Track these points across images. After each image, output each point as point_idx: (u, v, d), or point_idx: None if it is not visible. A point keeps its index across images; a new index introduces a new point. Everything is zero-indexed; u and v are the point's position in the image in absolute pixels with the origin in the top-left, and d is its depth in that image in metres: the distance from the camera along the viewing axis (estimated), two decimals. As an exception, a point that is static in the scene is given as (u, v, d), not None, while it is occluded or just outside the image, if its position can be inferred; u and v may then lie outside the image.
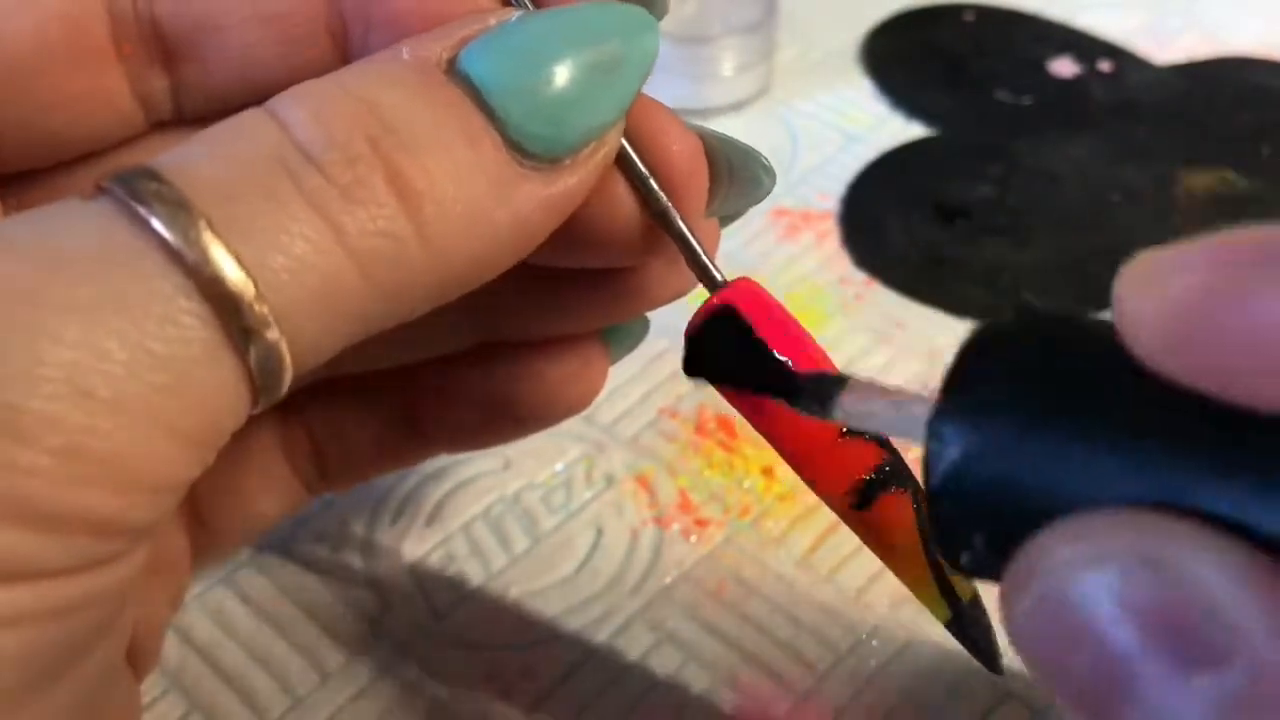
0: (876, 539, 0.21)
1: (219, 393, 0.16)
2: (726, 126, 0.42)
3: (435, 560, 0.29)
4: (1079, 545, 0.14)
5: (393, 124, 0.17)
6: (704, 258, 0.21)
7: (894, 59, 0.46)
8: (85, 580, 0.16)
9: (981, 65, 0.45)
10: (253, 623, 0.28)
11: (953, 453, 0.14)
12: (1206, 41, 0.46)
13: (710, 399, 0.30)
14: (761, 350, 0.20)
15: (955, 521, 0.15)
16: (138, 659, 0.24)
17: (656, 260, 0.22)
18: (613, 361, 0.26)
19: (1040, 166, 0.41)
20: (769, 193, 0.23)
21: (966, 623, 0.21)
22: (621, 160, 0.20)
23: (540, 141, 0.18)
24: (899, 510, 0.20)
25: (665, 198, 0.20)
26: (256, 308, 0.16)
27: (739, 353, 0.20)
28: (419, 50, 0.18)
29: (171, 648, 0.27)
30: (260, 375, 0.16)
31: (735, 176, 0.22)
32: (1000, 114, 0.43)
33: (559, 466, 0.31)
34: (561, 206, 0.18)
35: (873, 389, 0.17)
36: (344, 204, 0.16)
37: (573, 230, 0.20)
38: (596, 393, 0.26)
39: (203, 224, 0.15)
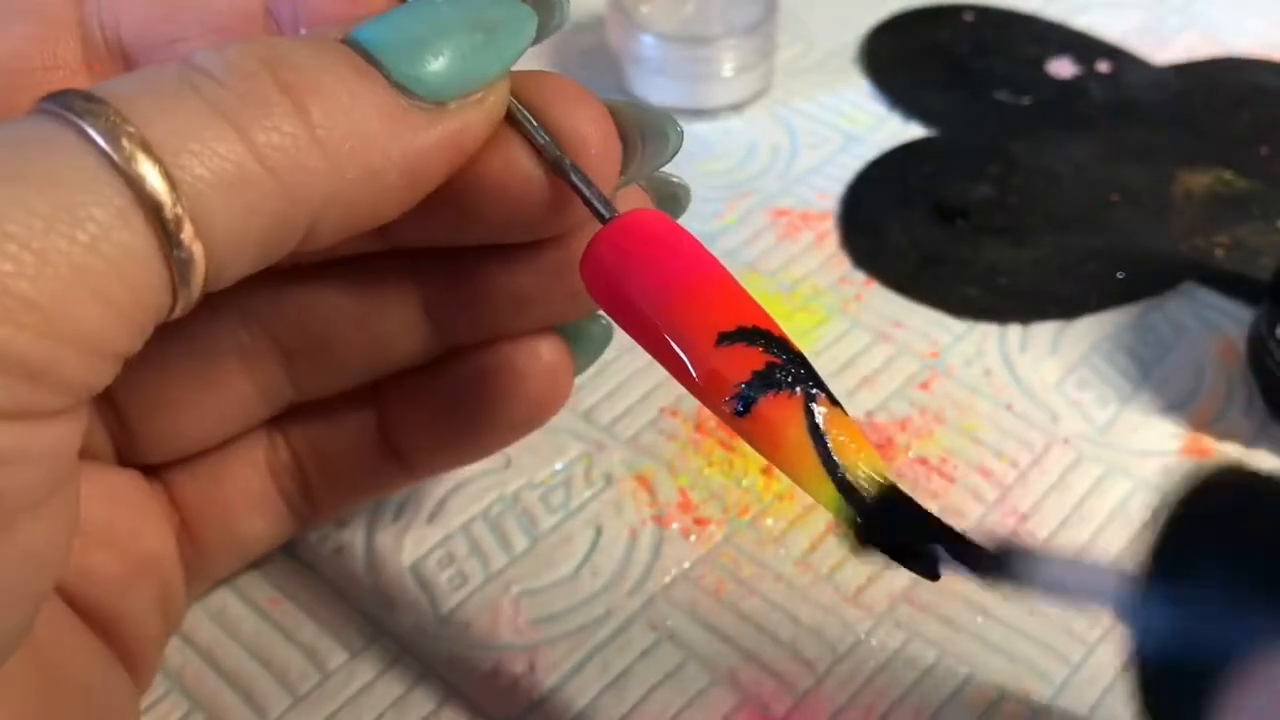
0: (764, 445, 0.20)
1: (137, 260, 0.17)
2: (727, 126, 0.42)
3: (435, 560, 0.29)
4: None
5: (286, 56, 0.19)
6: (594, 195, 0.22)
7: (893, 59, 0.46)
8: (19, 430, 0.17)
9: (981, 65, 0.45)
10: (253, 622, 0.28)
11: (1161, 636, 0.14)
12: (1205, 42, 0.46)
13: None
14: (941, 527, 0.19)
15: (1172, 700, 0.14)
16: (135, 670, 0.24)
17: (581, 235, 0.23)
18: (579, 370, 0.27)
19: (1039, 166, 0.41)
20: (677, 149, 0.24)
21: (878, 524, 0.20)
22: (519, 126, 0.22)
23: (423, 84, 0.20)
24: (784, 412, 0.20)
25: (557, 146, 0.22)
26: (164, 184, 0.17)
27: (916, 528, 0.19)
28: (316, 31, 0.21)
29: (173, 648, 0.27)
30: (175, 253, 0.17)
31: (645, 136, 0.23)
32: (999, 114, 0.43)
33: (559, 465, 0.31)
34: (450, 144, 0.20)
35: (1063, 562, 0.17)
36: (240, 105, 0.18)
37: (476, 186, 0.22)
38: (564, 397, 0.26)
39: (114, 114, 0.17)
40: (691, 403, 0.32)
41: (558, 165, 0.22)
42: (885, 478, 0.20)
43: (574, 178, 0.22)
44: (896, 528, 0.19)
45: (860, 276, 0.37)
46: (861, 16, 0.47)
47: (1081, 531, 0.30)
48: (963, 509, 0.30)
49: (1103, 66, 0.45)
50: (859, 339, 0.35)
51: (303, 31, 0.21)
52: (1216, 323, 0.35)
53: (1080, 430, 0.32)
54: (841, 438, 0.20)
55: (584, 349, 0.27)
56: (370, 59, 0.20)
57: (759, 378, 0.20)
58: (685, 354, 0.20)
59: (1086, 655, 0.27)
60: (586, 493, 0.31)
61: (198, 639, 0.28)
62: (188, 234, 0.17)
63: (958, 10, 0.48)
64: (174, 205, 0.17)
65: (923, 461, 0.31)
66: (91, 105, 0.17)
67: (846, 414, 0.20)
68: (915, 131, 0.42)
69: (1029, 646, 0.27)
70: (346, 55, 0.20)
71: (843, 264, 0.37)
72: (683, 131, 0.24)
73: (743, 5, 0.43)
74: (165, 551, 0.25)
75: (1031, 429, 0.32)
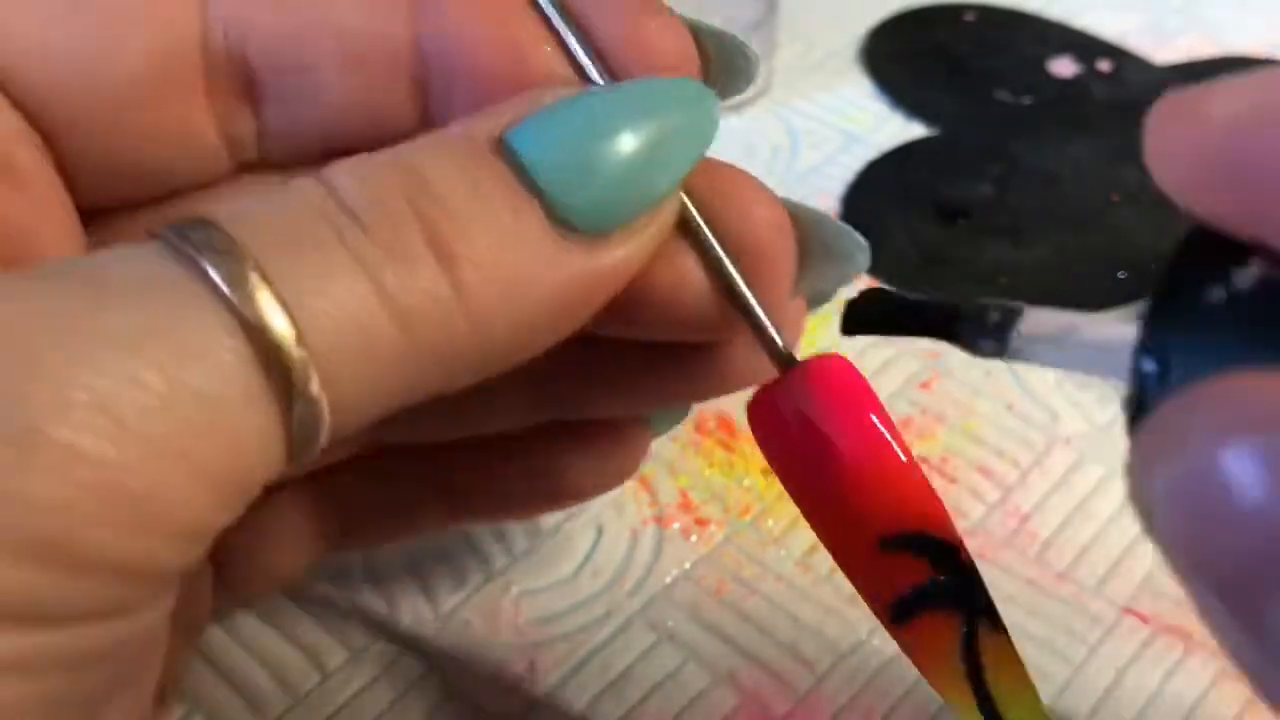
0: (914, 657, 0.20)
1: (255, 439, 0.15)
2: (728, 126, 0.42)
3: (436, 559, 0.29)
4: (1227, 410, 0.12)
5: (434, 190, 0.17)
6: (771, 334, 0.20)
7: (894, 59, 0.46)
8: (107, 628, 0.15)
9: (982, 65, 0.45)
10: (253, 622, 0.28)
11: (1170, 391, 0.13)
12: (1206, 41, 0.46)
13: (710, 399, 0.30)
14: (927, 302, 0.18)
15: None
16: (159, 696, 0.24)
17: (736, 340, 0.21)
18: (655, 437, 0.26)
19: (1040, 166, 0.41)
20: (862, 270, 0.21)
21: None
22: (690, 229, 0.19)
23: (585, 216, 0.17)
24: (938, 633, 0.19)
25: (732, 269, 0.19)
26: (297, 352, 0.15)
27: (903, 307, 0.19)
28: (469, 128, 0.18)
29: (172, 647, 0.27)
30: (298, 425, 0.16)
31: (829, 252, 0.21)
32: (1000, 114, 0.43)
33: (559, 466, 0.31)
34: (609, 280, 0.18)
35: (1052, 317, 0.15)
36: (385, 260, 0.16)
37: (638, 302, 0.19)
38: (635, 470, 0.25)
39: (250, 266, 0.15)
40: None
41: (731, 290, 0.19)
42: (1041, 715, 0.19)
43: (753, 310, 0.19)
44: (878, 310, 0.19)
45: (861, 276, 0.37)
46: (862, 16, 0.47)
47: (1083, 532, 0.30)
48: (964, 509, 0.30)
49: (1104, 66, 0.45)
50: (859, 339, 0.35)
51: (454, 128, 0.18)
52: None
53: (1081, 430, 0.32)
54: (998, 668, 0.19)
55: (663, 422, 0.26)
56: (528, 182, 0.17)
57: (917, 593, 0.19)
58: (846, 549, 0.19)
59: (1089, 655, 0.27)
60: (587, 493, 0.31)
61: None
62: (317, 407, 0.16)
63: (959, 10, 0.48)
64: (307, 377, 0.15)
65: (924, 461, 0.31)
66: (220, 247, 0.15)
67: (1010, 641, 0.19)
68: (916, 131, 0.42)
69: (1031, 647, 0.27)
70: (502, 183, 0.17)
71: (843, 264, 0.37)
72: (869, 250, 0.21)
73: (743, 5, 0.43)
74: (200, 597, 0.24)
75: (1033, 429, 0.32)
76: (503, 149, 0.17)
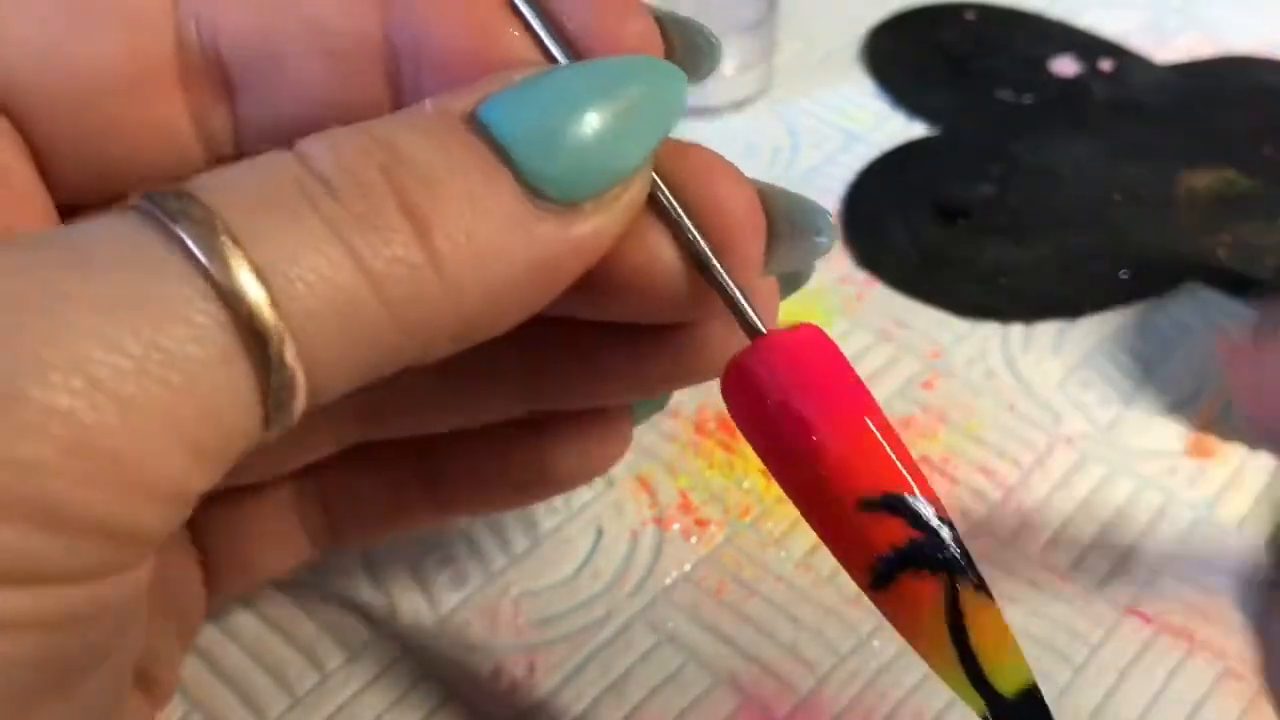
0: (897, 621, 0.19)
1: (231, 402, 0.16)
2: (728, 125, 0.42)
3: (435, 560, 0.29)
4: None
5: (406, 158, 0.17)
6: (744, 306, 0.20)
7: (895, 58, 0.45)
8: (89, 589, 0.15)
9: (982, 64, 0.45)
10: (252, 622, 0.28)
11: None
12: (1207, 41, 0.46)
13: (711, 399, 0.30)
14: None
15: None
16: (153, 691, 0.24)
17: (712, 324, 0.21)
18: (635, 424, 0.26)
19: (1041, 166, 0.40)
20: (828, 249, 0.22)
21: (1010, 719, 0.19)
22: (661, 208, 0.19)
23: (556, 184, 0.18)
24: (922, 594, 0.19)
25: (704, 243, 0.19)
26: (272, 317, 0.15)
27: None
28: (441, 103, 0.18)
29: (170, 648, 0.27)
30: (274, 390, 0.16)
31: (795, 230, 0.21)
32: (1001, 113, 0.43)
33: (559, 466, 0.31)
34: (581, 250, 0.18)
35: None
36: (358, 227, 0.16)
37: (611, 277, 0.19)
38: (619, 459, 0.25)
39: (223, 233, 0.15)
40: (691, 404, 0.32)
41: (703, 265, 0.20)
42: (1026, 678, 0.19)
43: (725, 283, 0.20)
44: None
45: (861, 276, 0.37)
46: (863, 14, 0.47)
47: (1085, 532, 0.30)
48: (966, 509, 0.30)
49: (1105, 65, 0.45)
50: (860, 339, 0.35)
51: (426, 104, 0.18)
52: (1220, 322, 0.35)
53: (1083, 430, 0.32)
54: (982, 629, 0.19)
55: (643, 410, 0.26)
56: (499, 151, 0.17)
57: (898, 554, 0.19)
58: (824, 512, 0.19)
59: (1090, 656, 0.27)
60: (587, 494, 0.31)
61: (197, 639, 0.28)
62: (291, 372, 0.16)
63: (960, 8, 0.48)
64: (281, 342, 0.15)
65: (925, 462, 0.31)
66: (195, 216, 0.16)
67: (992, 600, 0.19)
68: (917, 130, 0.42)
69: (1032, 648, 0.27)
70: (474, 152, 0.17)
71: (844, 263, 0.37)
72: (835, 229, 0.21)
73: (743, 3, 0.42)
74: (193, 591, 0.25)
75: (1034, 429, 0.32)
76: (475, 122, 0.18)
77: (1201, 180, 0.40)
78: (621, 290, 0.20)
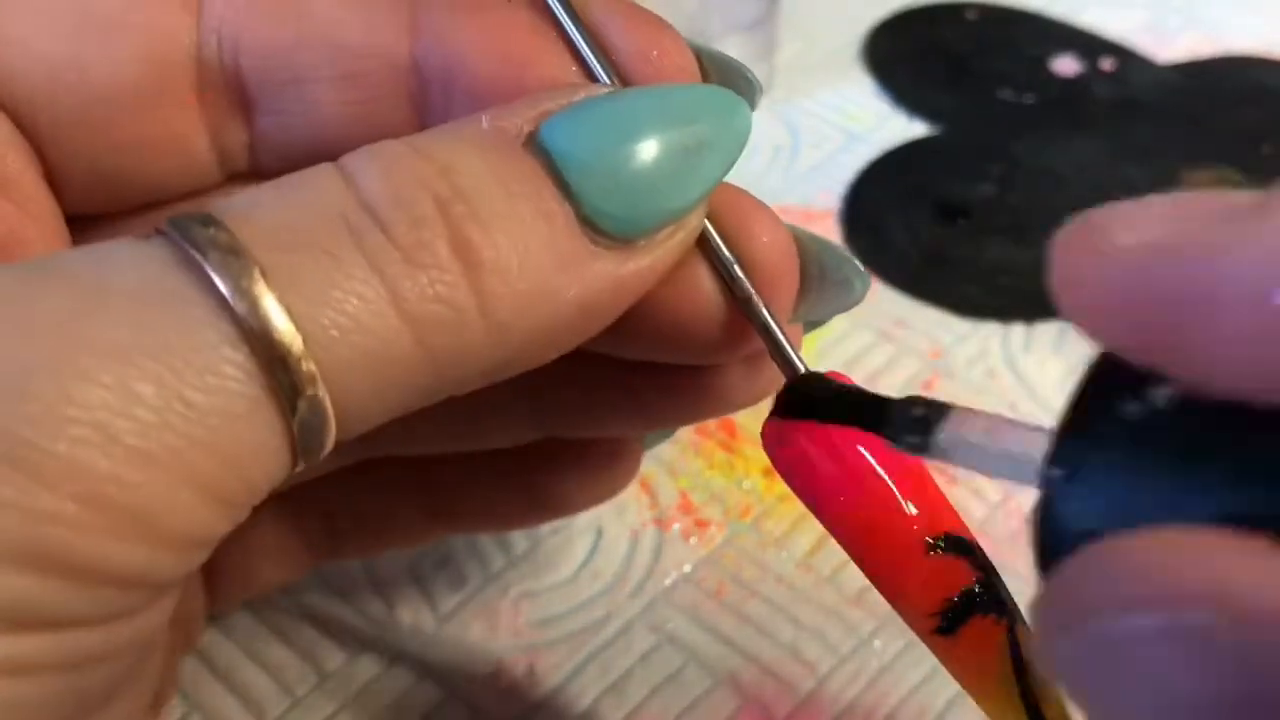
0: (962, 668, 0.19)
1: (257, 452, 0.15)
2: (727, 125, 0.42)
3: (435, 560, 0.29)
4: (1134, 582, 0.11)
5: (463, 190, 0.16)
6: (789, 349, 0.19)
7: (896, 57, 0.45)
8: (106, 632, 0.15)
9: (983, 64, 0.45)
10: (251, 623, 0.28)
11: (1078, 503, 0.13)
12: (1208, 40, 0.46)
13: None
14: (858, 391, 0.18)
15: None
16: (153, 699, 0.24)
17: (736, 362, 0.21)
18: (644, 450, 0.25)
19: (1042, 165, 0.40)
20: (860, 300, 0.21)
21: None
22: (705, 246, 0.19)
23: (615, 222, 0.17)
24: (988, 639, 0.18)
25: (750, 284, 0.19)
26: (303, 364, 0.15)
27: (835, 396, 0.19)
28: (499, 120, 0.17)
29: (170, 648, 0.27)
30: (302, 436, 0.15)
31: (826, 278, 0.20)
32: (1002, 112, 0.43)
33: (559, 466, 0.31)
34: (632, 288, 0.18)
35: (979, 419, 0.15)
36: (404, 267, 0.15)
37: (652, 316, 0.19)
38: (626, 486, 0.25)
39: (256, 273, 0.15)
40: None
41: (747, 306, 0.19)
42: (1068, 716, 0.19)
43: (769, 324, 0.19)
44: (815, 397, 0.19)
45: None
46: (863, 14, 0.47)
47: (1085, 533, 0.30)
48: (966, 510, 0.30)
49: (1106, 65, 0.45)
50: (861, 339, 0.35)
51: (483, 120, 0.17)
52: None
53: (1084, 431, 0.32)
54: (1038, 672, 0.18)
55: (653, 439, 0.26)
56: (559, 181, 0.17)
57: (966, 597, 0.18)
58: (890, 557, 0.19)
59: (1090, 658, 0.27)
60: (587, 493, 0.31)
61: (195, 641, 0.28)
62: (322, 418, 0.15)
63: (960, 8, 0.48)
64: (313, 390, 0.15)
65: (925, 462, 0.31)
66: (224, 247, 0.15)
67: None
68: (917, 130, 0.42)
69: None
70: (533, 183, 0.17)
71: (844, 263, 0.37)
72: (868, 280, 0.21)
73: (744, 3, 0.42)
74: (193, 605, 0.25)
75: (1035, 429, 0.32)
76: (534, 145, 0.17)
77: (1202, 179, 0.40)
78: (660, 328, 0.19)
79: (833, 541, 0.29)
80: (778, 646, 0.27)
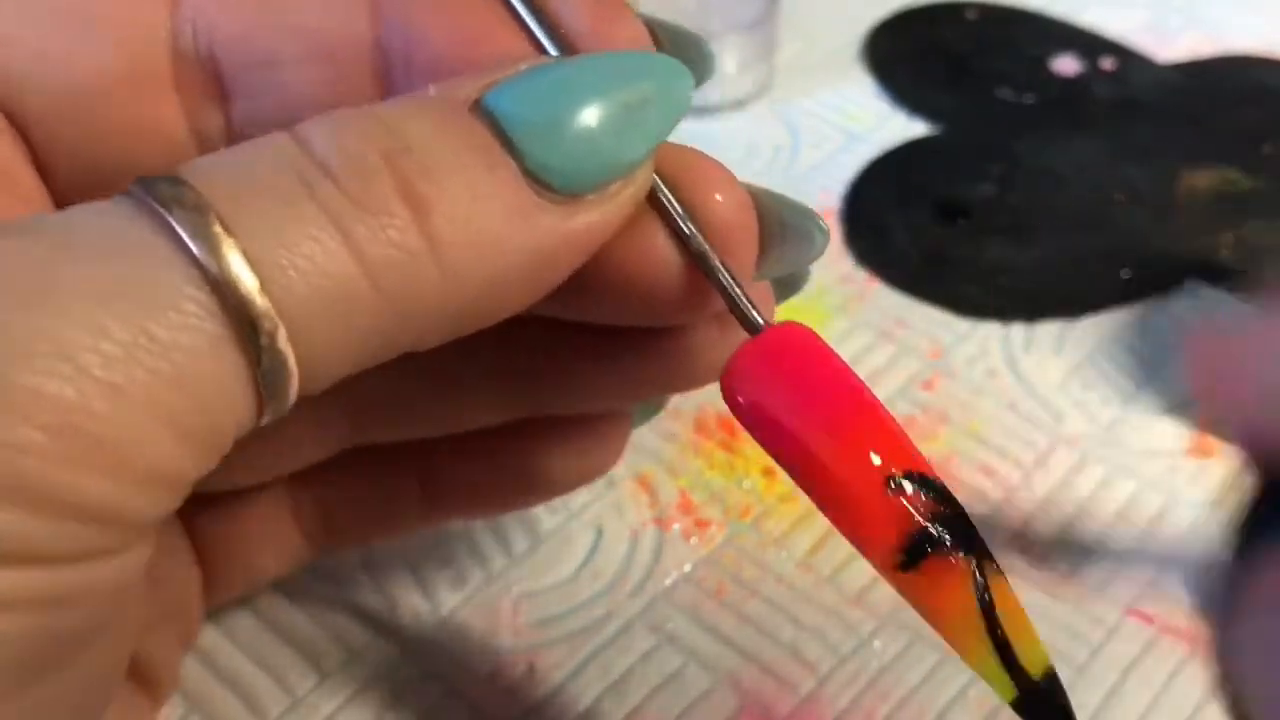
0: (926, 606, 0.19)
1: (221, 389, 0.16)
2: (728, 125, 0.42)
3: (435, 560, 0.29)
4: None
5: (410, 144, 0.17)
6: (744, 301, 0.20)
7: (896, 57, 0.45)
8: (81, 570, 0.15)
9: (983, 63, 0.45)
10: (251, 622, 0.28)
11: None
12: (1209, 40, 0.46)
13: (711, 399, 0.30)
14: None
15: None
16: (153, 690, 0.24)
17: (706, 321, 0.21)
18: (634, 428, 0.26)
19: (1042, 165, 0.40)
20: (821, 253, 0.22)
21: (1036, 703, 0.19)
22: (659, 205, 0.19)
23: (559, 175, 0.17)
24: (953, 576, 0.18)
25: (704, 239, 0.19)
26: (262, 305, 0.15)
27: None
28: (446, 89, 0.18)
29: (170, 648, 0.27)
30: (265, 378, 0.16)
31: (786, 233, 0.21)
32: (1002, 112, 0.43)
33: (559, 466, 0.31)
34: (581, 242, 0.18)
35: None
36: (355, 211, 0.16)
37: (609, 275, 0.19)
38: (615, 463, 0.26)
39: (214, 220, 0.15)
40: (691, 404, 0.32)
41: (702, 261, 0.19)
42: (1047, 658, 0.19)
43: (723, 278, 0.19)
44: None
45: (862, 275, 0.37)
46: (863, 13, 0.47)
47: (1086, 532, 0.30)
48: (967, 509, 0.30)
49: (1106, 64, 0.45)
50: (861, 338, 0.35)
51: (430, 90, 0.18)
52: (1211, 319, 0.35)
53: (1084, 430, 0.32)
54: (1009, 610, 0.19)
55: (641, 415, 0.26)
56: (504, 139, 0.17)
57: (927, 532, 0.18)
58: (848, 494, 0.19)
59: (1091, 657, 0.27)
60: (587, 494, 0.30)
61: (196, 640, 0.27)
62: (283, 360, 0.16)
63: (960, 8, 0.48)
64: (272, 330, 0.15)
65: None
66: (188, 203, 0.16)
67: (1005, 579, 0.19)
68: (918, 130, 0.42)
69: (1033, 649, 0.27)
70: (478, 139, 0.17)
71: (845, 263, 0.37)
72: (828, 233, 0.22)
73: (744, 2, 0.42)
74: (191, 592, 0.25)
75: (1036, 429, 0.32)
76: (480, 109, 0.18)
77: (1203, 179, 0.40)
78: (619, 287, 0.20)
79: (833, 541, 0.29)
80: (778, 646, 0.27)
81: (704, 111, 0.42)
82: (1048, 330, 0.35)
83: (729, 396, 0.20)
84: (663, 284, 0.20)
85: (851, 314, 0.35)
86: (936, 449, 0.32)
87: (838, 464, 0.19)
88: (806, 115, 0.43)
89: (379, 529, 0.27)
